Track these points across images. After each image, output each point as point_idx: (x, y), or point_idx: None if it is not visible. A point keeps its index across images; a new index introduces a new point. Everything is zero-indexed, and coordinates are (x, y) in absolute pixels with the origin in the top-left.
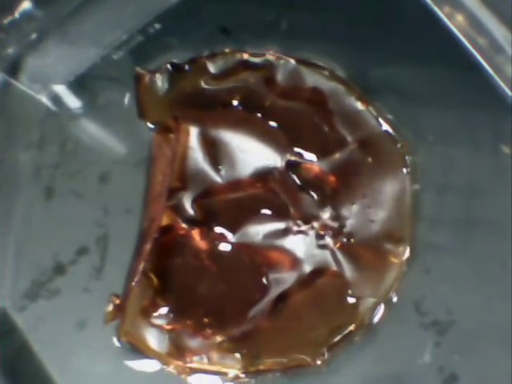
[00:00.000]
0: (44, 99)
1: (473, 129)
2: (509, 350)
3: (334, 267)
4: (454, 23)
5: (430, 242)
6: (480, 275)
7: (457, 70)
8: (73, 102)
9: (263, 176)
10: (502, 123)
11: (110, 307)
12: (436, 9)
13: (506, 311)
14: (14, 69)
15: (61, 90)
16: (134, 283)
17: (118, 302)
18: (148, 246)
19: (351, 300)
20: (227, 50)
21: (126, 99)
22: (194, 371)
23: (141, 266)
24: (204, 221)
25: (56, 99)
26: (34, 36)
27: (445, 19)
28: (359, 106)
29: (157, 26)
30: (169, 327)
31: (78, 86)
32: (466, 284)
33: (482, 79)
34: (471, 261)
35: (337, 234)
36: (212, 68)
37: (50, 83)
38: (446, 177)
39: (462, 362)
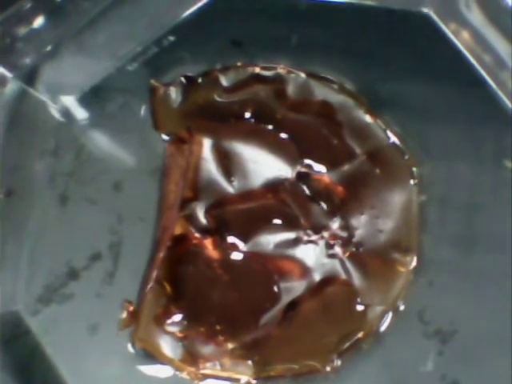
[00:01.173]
0: (59, 108)
1: (477, 143)
2: (510, 358)
3: (343, 276)
4: (460, 40)
5: (434, 254)
6: (482, 286)
7: (462, 85)
8: (87, 111)
9: (274, 187)
10: (505, 138)
11: (124, 314)
12: (442, 25)
13: (507, 321)
14: (30, 78)
15: (76, 99)
16: (147, 290)
17: (131, 308)
18: (161, 254)
19: (360, 308)
20: (239, 64)
21: (140, 110)
22: (206, 377)
23: (154, 274)
24: (216, 230)
25: (71, 109)
26: (50, 47)
27: (451, 36)
28: (368, 118)
29: (171, 38)
30: (182, 334)
31: (92, 96)
32: (468, 295)
33: (486, 95)
34: (473, 272)
35: (346, 243)
36: (224, 81)
37: (66, 93)
38: (449, 190)
39: (463, 370)
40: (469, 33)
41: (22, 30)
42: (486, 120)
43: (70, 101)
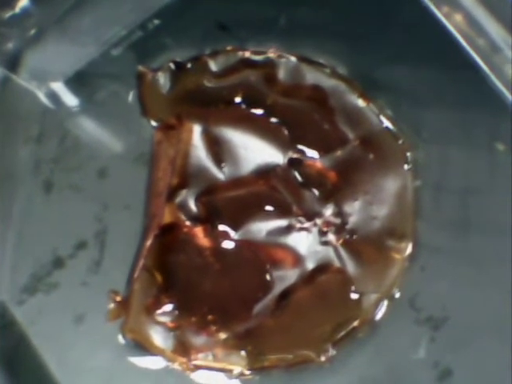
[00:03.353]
0: (43, 94)
1: (469, 127)
2: (502, 344)
3: (336, 263)
4: (452, 23)
5: (426, 239)
6: (474, 271)
7: (454, 69)
8: (72, 97)
9: (266, 173)
10: (498, 122)
11: (112, 305)
12: (434, 9)
13: (500, 306)
14: (13, 64)
15: (60, 85)
16: (134, 279)
17: (118, 298)
18: (148, 243)
19: (354, 296)
20: (229, 48)
21: (126, 95)
22: (198, 368)
23: (140, 263)
24: (207, 218)
25: (55, 94)
26: (33, 31)
27: (443, 19)
28: (360, 103)
29: (156, 21)
30: (173, 324)
31: (77, 81)
32: (460, 280)
33: (479, 78)
34: (466, 257)
35: (339, 230)
36: (213, 66)
37: (50, 78)
38: (443, 174)
39: (456, 357)
40: (461, 16)
41: (5, 15)
42: (478, 104)
43: (54, 86)
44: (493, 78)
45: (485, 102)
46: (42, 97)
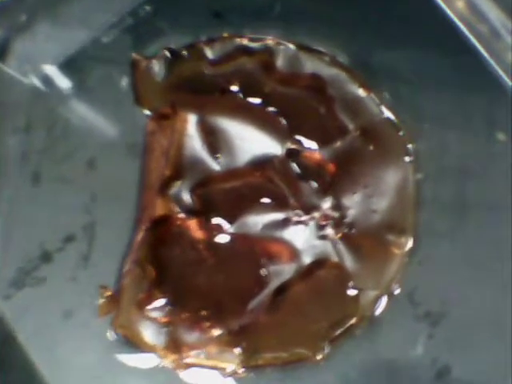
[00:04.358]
0: (33, 82)
1: (469, 114)
2: (500, 340)
3: (334, 258)
4: (454, 10)
5: (425, 234)
6: (473, 266)
7: (455, 56)
8: (62, 84)
9: (262, 164)
10: (499, 109)
11: (101, 300)
12: None
13: (498, 302)
14: (2, 51)
15: (50, 72)
16: (124, 273)
17: (108, 293)
18: (139, 236)
19: (352, 292)
20: (225, 35)
21: (118, 82)
22: (190, 366)
23: (131, 256)
24: (202, 210)
25: (45, 82)
26: (23, 18)
27: (444, 5)
28: (360, 92)
29: (147, 8)
30: (165, 320)
31: (67, 68)
32: (458, 275)
33: (480, 65)
34: (464, 252)
35: (338, 224)
36: (210, 53)
37: (40, 65)
38: (442, 163)
39: (454, 353)
40: (463, 2)
41: None
42: (479, 91)
43: (43, 74)
44: (493, 64)
45: (485, 89)
46: (30, 85)
